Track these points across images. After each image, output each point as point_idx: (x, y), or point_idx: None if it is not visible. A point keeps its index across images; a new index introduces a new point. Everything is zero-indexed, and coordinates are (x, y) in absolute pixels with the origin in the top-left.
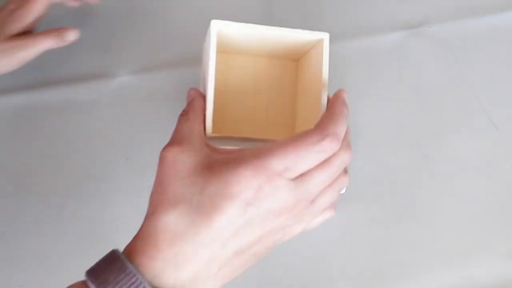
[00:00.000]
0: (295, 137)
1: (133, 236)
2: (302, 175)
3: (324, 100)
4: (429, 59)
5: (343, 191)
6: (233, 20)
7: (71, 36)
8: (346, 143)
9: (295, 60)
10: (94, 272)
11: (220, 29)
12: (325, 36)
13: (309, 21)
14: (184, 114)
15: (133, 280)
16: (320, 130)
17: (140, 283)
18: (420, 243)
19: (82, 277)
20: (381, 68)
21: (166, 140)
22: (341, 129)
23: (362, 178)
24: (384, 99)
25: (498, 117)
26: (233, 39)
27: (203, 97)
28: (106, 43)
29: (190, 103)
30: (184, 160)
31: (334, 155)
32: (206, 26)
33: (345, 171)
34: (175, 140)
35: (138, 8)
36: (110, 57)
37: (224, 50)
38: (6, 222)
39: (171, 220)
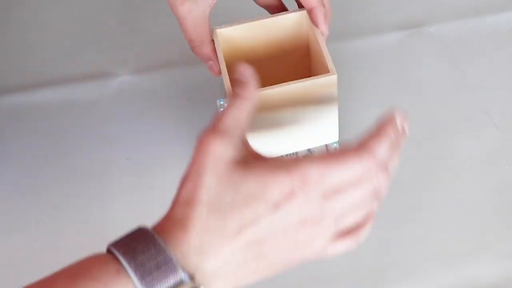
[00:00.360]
0: (335, 152)
1: None
2: (333, 191)
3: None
4: (429, 59)
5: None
6: (236, 20)
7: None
8: (386, 169)
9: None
10: (119, 243)
11: (223, 34)
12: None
13: None
14: (237, 99)
15: (162, 255)
16: (360, 147)
17: (170, 259)
18: (420, 243)
19: None
20: (381, 68)
21: (166, 140)
22: (382, 150)
23: None
24: (384, 99)
25: (498, 117)
26: (237, 37)
27: (256, 84)
28: (106, 43)
29: (243, 89)
30: (224, 155)
31: (369, 178)
32: None
33: (378, 198)
34: (219, 130)
35: (138, 8)
36: (110, 57)
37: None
38: (6, 222)
39: (204, 213)
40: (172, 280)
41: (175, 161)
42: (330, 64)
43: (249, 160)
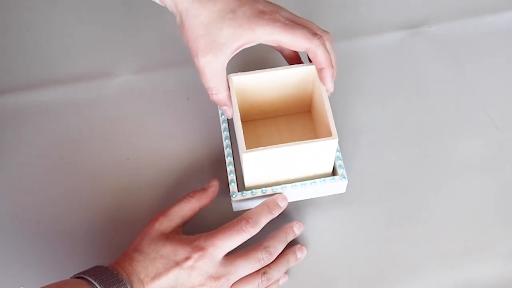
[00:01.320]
0: (223, 226)
1: (132, 234)
2: (229, 258)
3: (329, 113)
4: (429, 59)
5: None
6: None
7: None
8: (264, 247)
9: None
10: (87, 273)
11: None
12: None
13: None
14: (191, 198)
15: (116, 278)
16: (240, 216)
17: (122, 279)
18: (420, 243)
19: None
20: (381, 68)
21: (166, 139)
22: (263, 221)
23: (362, 178)
24: (384, 99)
25: (498, 117)
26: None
27: (211, 194)
28: (106, 43)
29: (200, 194)
30: (159, 228)
31: (254, 253)
32: None
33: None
34: (166, 213)
35: (138, 8)
36: (110, 57)
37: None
38: (6, 221)
39: (141, 258)
40: None
41: (175, 161)
42: (333, 127)
43: (173, 235)
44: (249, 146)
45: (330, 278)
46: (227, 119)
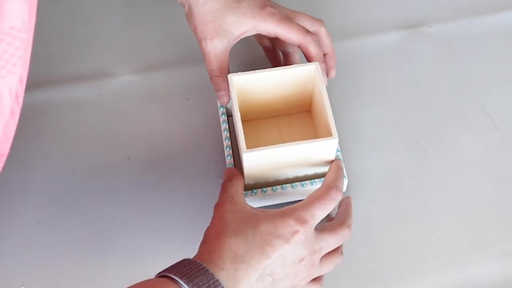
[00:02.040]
0: (313, 196)
1: (133, 235)
2: (319, 232)
3: (329, 112)
4: (429, 59)
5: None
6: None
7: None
8: (348, 225)
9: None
10: (175, 270)
11: (237, 81)
12: (315, 65)
13: None
14: (228, 180)
15: (211, 279)
16: (327, 185)
17: (219, 283)
18: (420, 243)
19: (84, 277)
20: (381, 68)
21: (166, 139)
22: (340, 182)
23: (362, 178)
24: (384, 99)
25: (498, 117)
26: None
27: (239, 173)
28: (106, 43)
29: (230, 175)
30: (237, 210)
31: (341, 229)
32: None
33: (341, 252)
34: (226, 199)
35: (138, 8)
36: (110, 57)
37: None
38: (7, 221)
39: (233, 244)
40: None
41: (175, 161)
42: (333, 127)
43: (257, 210)
44: (249, 145)
45: (330, 278)
46: (227, 119)
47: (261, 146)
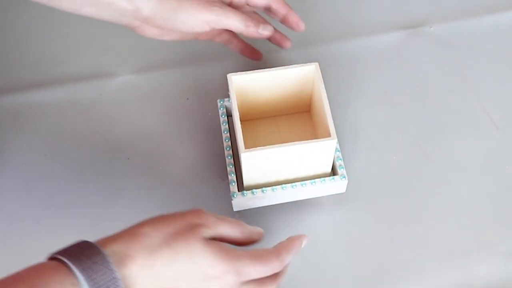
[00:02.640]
0: (255, 253)
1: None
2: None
3: (328, 113)
4: (429, 59)
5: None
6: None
7: (266, 31)
8: (278, 256)
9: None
10: (66, 252)
11: (236, 80)
12: (315, 65)
13: (310, 21)
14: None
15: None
16: (276, 252)
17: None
18: (420, 243)
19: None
20: (381, 68)
21: (166, 139)
22: (289, 258)
23: (362, 178)
24: (384, 99)
25: (498, 117)
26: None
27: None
28: (106, 43)
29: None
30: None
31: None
32: None
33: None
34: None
35: None
36: (110, 57)
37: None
38: (7, 221)
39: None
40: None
41: (175, 161)
42: (332, 128)
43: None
44: (249, 145)
45: (330, 278)
46: (227, 119)
47: (260, 146)
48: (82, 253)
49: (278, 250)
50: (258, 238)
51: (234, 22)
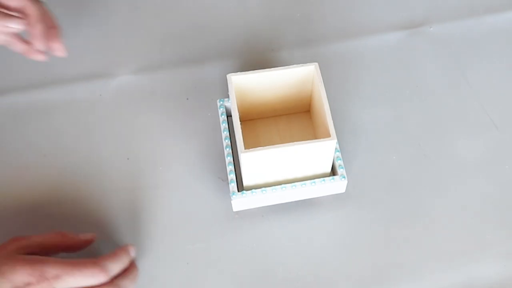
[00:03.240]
0: (76, 262)
1: (133, 235)
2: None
3: (328, 112)
4: (429, 59)
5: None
6: (236, 20)
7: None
8: (99, 265)
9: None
10: None
11: (236, 80)
12: (315, 65)
13: (310, 21)
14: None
15: None
16: (99, 262)
17: None
18: (420, 243)
19: None
20: (381, 68)
21: (166, 139)
22: (114, 267)
23: (362, 178)
24: (384, 99)
25: (498, 117)
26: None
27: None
28: (106, 43)
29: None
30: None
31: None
32: (206, 26)
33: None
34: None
35: (138, 8)
36: (110, 57)
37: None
38: (7, 221)
39: None
40: None
41: (175, 160)
42: (331, 128)
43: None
44: (248, 145)
45: (330, 278)
46: (227, 119)
47: (260, 146)
48: None
49: (100, 259)
50: (89, 238)
51: None
